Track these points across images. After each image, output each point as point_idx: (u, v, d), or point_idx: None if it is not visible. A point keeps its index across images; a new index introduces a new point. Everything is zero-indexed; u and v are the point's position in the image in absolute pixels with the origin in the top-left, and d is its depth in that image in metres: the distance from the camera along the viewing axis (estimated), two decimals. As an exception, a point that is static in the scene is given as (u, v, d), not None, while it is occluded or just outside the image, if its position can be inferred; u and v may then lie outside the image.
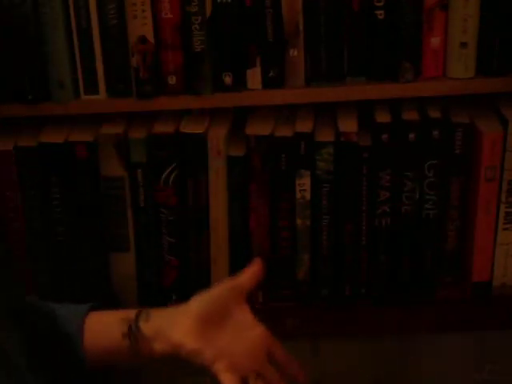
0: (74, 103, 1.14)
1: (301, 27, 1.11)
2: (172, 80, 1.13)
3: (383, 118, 1.15)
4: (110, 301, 1.22)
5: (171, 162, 1.16)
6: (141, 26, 1.10)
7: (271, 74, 1.13)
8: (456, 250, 1.22)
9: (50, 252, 1.20)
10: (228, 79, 1.13)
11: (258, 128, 1.16)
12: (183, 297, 1.21)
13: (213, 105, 1.15)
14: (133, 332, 0.89)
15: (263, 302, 1.23)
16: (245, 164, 1.16)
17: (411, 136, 1.14)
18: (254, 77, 1.13)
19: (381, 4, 1.10)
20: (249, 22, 1.11)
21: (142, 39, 1.11)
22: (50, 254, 1.20)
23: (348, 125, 1.16)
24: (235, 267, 1.21)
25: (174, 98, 1.14)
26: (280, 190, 1.17)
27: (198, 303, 0.91)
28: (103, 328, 0.91)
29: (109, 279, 1.22)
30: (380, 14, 1.10)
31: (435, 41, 1.11)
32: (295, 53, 1.12)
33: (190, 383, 1.28)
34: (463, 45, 1.11)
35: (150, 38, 1.11)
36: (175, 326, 0.88)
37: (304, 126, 1.16)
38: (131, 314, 0.90)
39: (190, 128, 1.16)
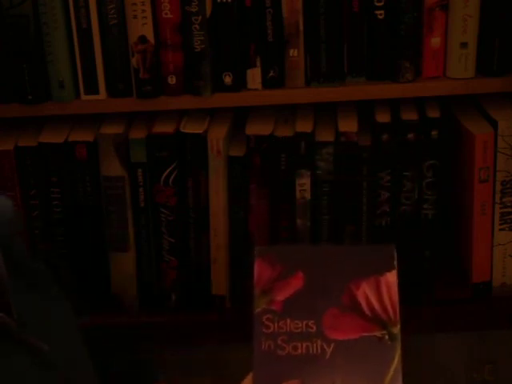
0: (74, 103, 1.14)
1: (301, 27, 1.11)
2: (172, 80, 1.13)
3: (383, 117, 1.15)
4: (110, 301, 1.22)
5: (171, 161, 1.16)
6: (141, 25, 1.10)
7: (271, 73, 1.13)
8: (455, 250, 1.22)
9: (50, 252, 1.20)
10: (228, 79, 1.13)
11: (257, 128, 1.16)
12: (183, 297, 1.22)
13: (213, 105, 1.15)
14: None
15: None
16: (245, 164, 1.16)
17: (410, 136, 1.14)
18: (254, 77, 1.13)
19: (381, 4, 1.10)
20: (249, 22, 1.11)
21: (142, 39, 1.11)
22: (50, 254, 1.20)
23: (348, 125, 1.16)
24: (235, 267, 1.21)
25: (174, 98, 1.14)
26: (280, 190, 1.18)
27: None
28: None
29: (109, 279, 1.22)
30: (380, 14, 1.10)
31: (435, 41, 1.11)
32: (295, 53, 1.12)
33: (190, 383, 1.28)
34: (463, 45, 1.11)
35: (150, 38, 1.11)
36: None
37: (304, 125, 1.16)
38: None
39: (189, 128, 1.16)
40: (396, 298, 0.89)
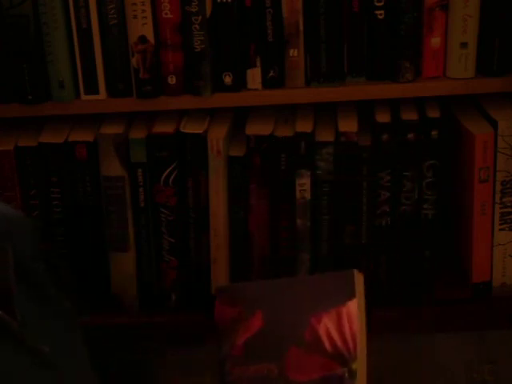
0: (74, 103, 1.14)
1: (301, 27, 1.11)
2: (172, 80, 1.13)
3: (383, 117, 1.15)
4: (110, 301, 1.22)
5: (171, 161, 1.16)
6: (141, 25, 1.10)
7: (271, 73, 1.13)
8: (455, 250, 1.22)
9: (50, 252, 1.20)
10: (228, 79, 1.13)
11: (257, 128, 1.16)
12: (183, 297, 1.22)
13: (213, 105, 1.15)
14: None
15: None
16: (245, 164, 1.16)
17: (410, 136, 1.14)
18: (254, 77, 1.13)
19: (381, 4, 1.10)
20: (249, 22, 1.11)
21: (142, 39, 1.11)
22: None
23: (348, 125, 1.16)
24: (235, 267, 1.21)
25: (174, 98, 1.14)
26: (280, 190, 1.18)
27: None
28: None
29: (109, 279, 1.22)
30: (380, 14, 1.10)
31: (435, 41, 1.11)
32: (295, 53, 1.12)
33: (190, 383, 1.28)
34: (463, 45, 1.11)
35: (150, 38, 1.11)
36: None
37: (304, 125, 1.16)
38: None
39: (189, 128, 1.16)
40: (356, 328, 0.88)
